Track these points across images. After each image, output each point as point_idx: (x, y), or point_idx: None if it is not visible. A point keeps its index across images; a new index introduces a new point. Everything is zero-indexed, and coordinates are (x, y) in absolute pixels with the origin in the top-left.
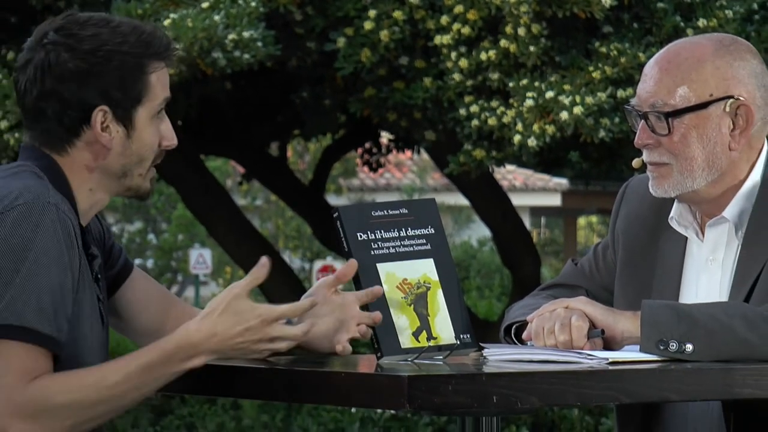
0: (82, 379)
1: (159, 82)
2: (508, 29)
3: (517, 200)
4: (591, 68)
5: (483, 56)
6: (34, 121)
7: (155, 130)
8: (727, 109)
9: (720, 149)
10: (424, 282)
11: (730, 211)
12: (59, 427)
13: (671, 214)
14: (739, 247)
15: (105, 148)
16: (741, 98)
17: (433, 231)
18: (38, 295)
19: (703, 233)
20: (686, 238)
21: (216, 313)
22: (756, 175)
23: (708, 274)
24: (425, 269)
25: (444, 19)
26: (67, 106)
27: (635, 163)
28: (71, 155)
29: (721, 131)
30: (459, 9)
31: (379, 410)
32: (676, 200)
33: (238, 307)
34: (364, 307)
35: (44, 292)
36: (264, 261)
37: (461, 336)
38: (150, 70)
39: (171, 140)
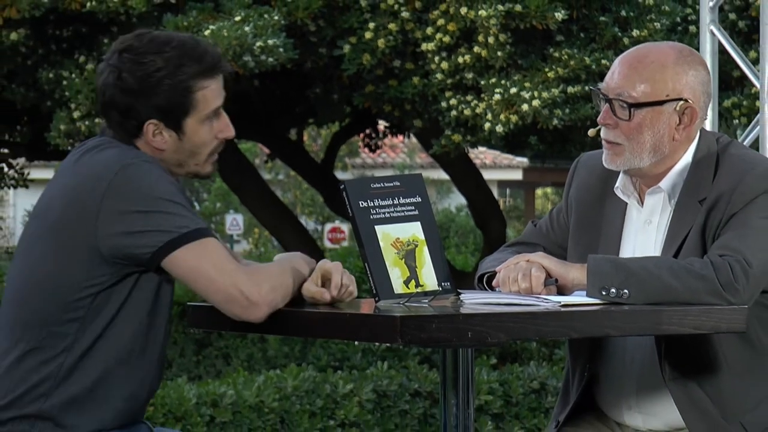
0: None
1: (208, 96)
2: (480, 38)
3: (487, 175)
4: (546, 69)
5: (460, 60)
6: (106, 121)
7: (207, 130)
8: (678, 108)
9: (666, 139)
10: (413, 240)
11: (665, 183)
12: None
13: (617, 184)
14: (671, 213)
15: (159, 149)
16: (689, 101)
17: (420, 200)
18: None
19: (642, 201)
20: (626, 204)
21: None
22: (688, 157)
23: (644, 235)
24: (414, 230)
25: (429, 30)
26: (125, 117)
27: (591, 132)
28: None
29: (669, 125)
30: (441, 22)
31: (377, 343)
32: (621, 172)
33: None
34: (363, 258)
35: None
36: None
37: (443, 283)
38: (196, 89)
39: (226, 132)
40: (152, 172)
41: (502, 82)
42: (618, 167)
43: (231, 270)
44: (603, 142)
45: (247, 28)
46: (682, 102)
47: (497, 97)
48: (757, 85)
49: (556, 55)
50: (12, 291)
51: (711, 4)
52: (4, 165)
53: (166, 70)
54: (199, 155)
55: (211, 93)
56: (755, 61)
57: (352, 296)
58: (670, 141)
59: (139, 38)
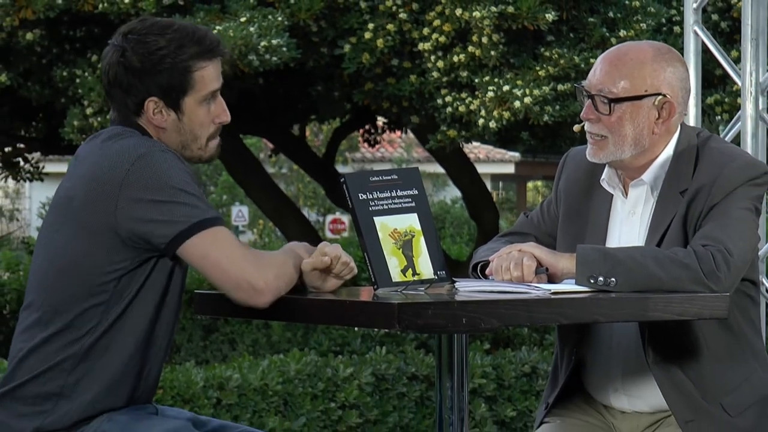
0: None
1: (206, 77)
2: (475, 38)
3: (480, 169)
4: (537, 68)
5: (455, 59)
6: (110, 101)
7: (205, 112)
8: (656, 103)
9: (646, 132)
10: (410, 231)
11: (648, 175)
12: (282, 282)
13: (602, 177)
14: (654, 204)
15: (160, 127)
16: (668, 96)
17: (417, 192)
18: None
19: (626, 193)
20: (612, 196)
21: None
22: (669, 150)
23: (629, 225)
24: (411, 221)
25: (425, 30)
26: (127, 94)
27: (576, 128)
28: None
29: (649, 119)
30: (437, 23)
31: (375, 329)
32: (607, 166)
33: None
34: (363, 248)
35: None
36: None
37: (438, 272)
38: (195, 69)
39: (222, 117)
40: (167, 162)
41: (495, 80)
42: (601, 160)
43: (239, 259)
44: (588, 136)
45: (252, 29)
46: (660, 97)
47: (490, 94)
48: (739, 83)
49: (547, 54)
50: (38, 277)
51: (695, 5)
52: (20, 159)
53: (168, 50)
54: (199, 138)
55: (209, 74)
56: (737, 60)
57: (352, 272)
58: (649, 134)
59: (142, 22)
